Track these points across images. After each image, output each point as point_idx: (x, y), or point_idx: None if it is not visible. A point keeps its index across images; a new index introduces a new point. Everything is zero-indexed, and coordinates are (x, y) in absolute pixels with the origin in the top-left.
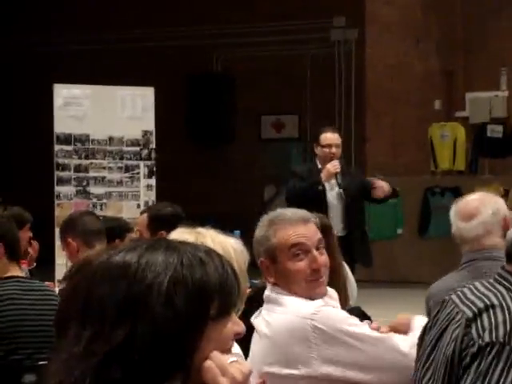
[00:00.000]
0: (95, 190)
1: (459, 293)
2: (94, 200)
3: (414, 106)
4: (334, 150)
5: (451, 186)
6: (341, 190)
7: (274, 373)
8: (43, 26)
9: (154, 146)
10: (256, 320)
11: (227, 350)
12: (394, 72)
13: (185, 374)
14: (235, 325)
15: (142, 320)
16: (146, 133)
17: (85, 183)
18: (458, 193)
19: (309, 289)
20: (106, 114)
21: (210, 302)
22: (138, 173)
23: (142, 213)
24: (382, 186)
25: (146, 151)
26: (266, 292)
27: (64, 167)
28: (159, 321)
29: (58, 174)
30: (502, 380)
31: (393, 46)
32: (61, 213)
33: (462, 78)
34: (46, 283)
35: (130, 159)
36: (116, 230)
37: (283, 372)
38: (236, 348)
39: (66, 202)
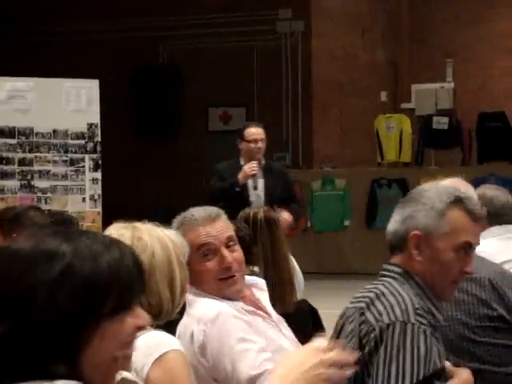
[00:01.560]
0: (40, 183)
1: (352, 298)
2: (39, 194)
3: (361, 98)
4: (259, 144)
5: (397, 178)
6: (260, 192)
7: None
8: None
9: (99, 138)
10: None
11: (126, 345)
12: (340, 63)
13: (69, 369)
14: (138, 318)
15: (25, 313)
16: (91, 126)
17: (29, 177)
18: (404, 184)
19: (220, 288)
20: (51, 107)
21: (103, 299)
22: (83, 166)
23: None
24: (285, 219)
25: (91, 144)
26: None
27: (8, 161)
28: (40, 316)
29: (1, 167)
30: (415, 353)
31: (339, 38)
32: (5, 207)
33: (408, 70)
34: None
35: (75, 152)
36: (58, 224)
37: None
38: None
39: (11, 196)
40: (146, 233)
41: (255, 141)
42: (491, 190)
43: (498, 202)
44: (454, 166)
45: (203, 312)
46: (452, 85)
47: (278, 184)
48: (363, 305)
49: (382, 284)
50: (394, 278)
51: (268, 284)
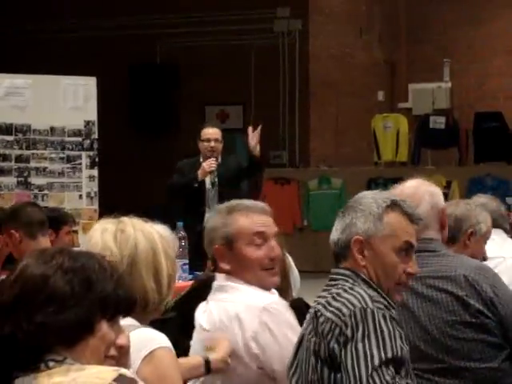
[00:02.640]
0: (36, 180)
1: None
2: (36, 191)
3: (358, 97)
4: (212, 143)
5: (394, 177)
6: (215, 187)
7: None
8: None
9: (96, 136)
10: (201, 314)
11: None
12: (337, 63)
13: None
14: (120, 337)
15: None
16: (88, 123)
17: (26, 174)
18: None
19: (263, 277)
20: (48, 104)
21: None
22: (80, 163)
23: None
24: (254, 134)
25: (88, 141)
26: (217, 282)
27: (5, 157)
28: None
29: None
30: (379, 335)
31: (336, 37)
32: (2, 204)
33: (405, 69)
34: None
35: (72, 150)
36: (52, 221)
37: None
38: None
39: (7, 192)
40: (129, 225)
41: (208, 140)
42: (481, 198)
43: (490, 209)
44: (451, 165)
45: (253, 300)
46: (449, 84)
47: (229, 171)
48: (319, 306)
49: (335, 286)
50: (344, 279)
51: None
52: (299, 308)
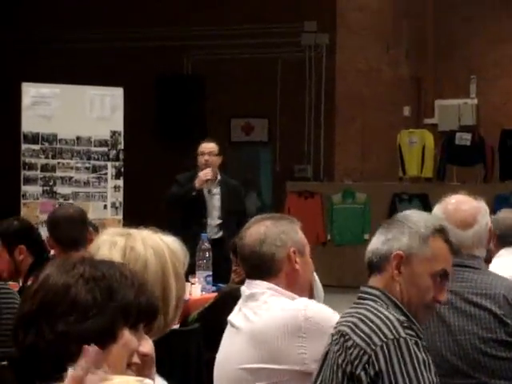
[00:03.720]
0: (62, 189)
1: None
2: (61, 200)
3: (384, 112)
4: (206, 157)
5: (419, 193)
6: (216, 200)
7: (253, 368)
8: (12, 23)
9: (122, 146)
10: (235, 317)
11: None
12: (364, 77)
13: None
14: (142, 344)
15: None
16: (114, 133)
17: (51, 183)
18: (425, 200)
19: (308, 288)
20: (75, 114)
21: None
22: (106, 173)
23: None
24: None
25: (114, 152)
26: (254, 289)
27: (31, 166)
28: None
29: (24, 173)
30: (415, 362)
31: (363, 52)
32: (27, 212)
33: (432, 85)
34: (10, 283)
35: (98, 159)
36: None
37: (266, 367)
38: None
39: (33, 201)
40: (139, 242)
41: (202, 154)
42: (503, 213)
43: (504, 225)
44: (476, 182)
45: (291, 302)
46: (475, 101)
47: (231, 197)
48: (347, 329)
49: (364, 307)
50: (374, 300)
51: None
52: None
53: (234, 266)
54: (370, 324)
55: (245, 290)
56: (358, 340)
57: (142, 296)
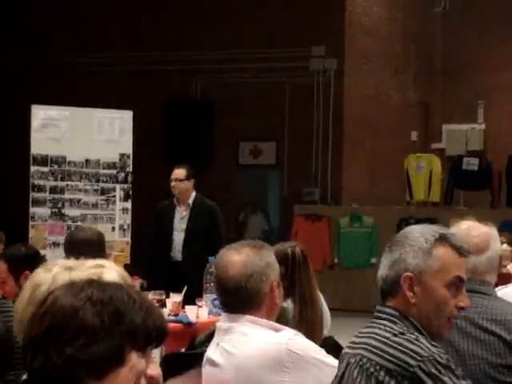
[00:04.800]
0: (70, 212)
1: (349, 343)
2: (69, 222)
3: (391, 137)
4: (173, 183)
5: (426, 217)
6: (186, 219)
7: None
8: (22, 46)
9: (130, 169)
10: (214, 354)
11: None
12: (371, 102)
13: None
14: (150, 367)
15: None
16: (123, 156)
17: (60, 205)
18: (432, 224)
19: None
20: (84, 136)
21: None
22: (114, 196)
23: None
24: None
25: (122, 174)
26: (231, 323)
27: (40, 188)
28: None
29: (33, 195)
30: (453, 378)
31: (371, 77)
32: (35, 234)
33: (439, 110)
34: None
35: (107, 182)
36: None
37: None
38: None
39: (41, 223)
40: (114, 271)
41: (171, 180)
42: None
43: None
44: (483, 207)
45: (273, 334)
46: (483, 126)
47: (200, 217)
48: (364, 353)
49: (383, 328)
50: (392, 321)
51: (301, 321)
52: (330, 346)
53: None
54: (395, 345)
55: (221, 324)
56: (385, 363)
57: (149, 319)
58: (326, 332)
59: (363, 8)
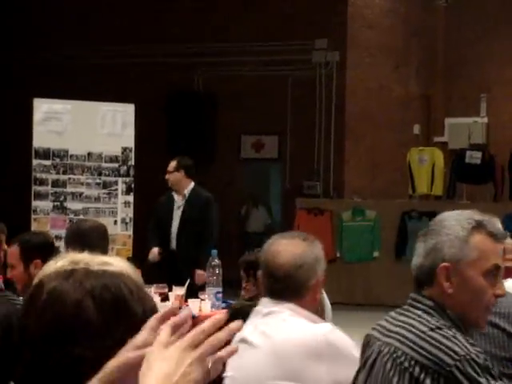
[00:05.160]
0: (72, 205)
1: (378, 328)
2: (71, 215)
3: (393, 130)
4: (166, 175)
5: (428, 211)
6: (181, 209)
7: None
8: (24, 40)
9: (132, 162)
10: (251, 335)
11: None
12: (373, 95)
13: None
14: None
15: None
16: (125, 149)
17: (62, 198)
18: (434, 217)
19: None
20: (86, 130)
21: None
22: (116, 189)
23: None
24: (201, 274)
25: (124, 168)
26: (272, 308)
27: (42, 182)
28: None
29: (35, 188)
30: (489, 379)
31: (373, 70)
32: (37, 227)
33: (442, 103)
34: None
35: (109, 175)
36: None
37: None
38: None
39: (43, 216)
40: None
41: (164, 173)
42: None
43: None
44: (486, 201)
45: (312, 325)
46: (485, 120)
47: (195, 207)
48: (399, 345)
49: (418, 320)
50: (428, 312)
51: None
52: None
53: (244, 283)
54: (432, 341)
55: (261, 309)
56: (421, 359)
57: (147, 308)
58: None
59: (365, 1)
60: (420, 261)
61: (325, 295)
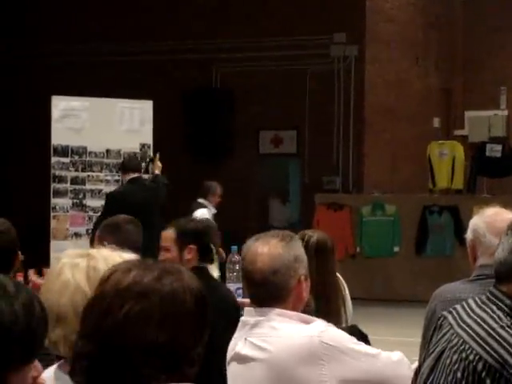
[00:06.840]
0: (91, 202)
1: (454, 314)
2: (90, 213)
3: (413, 124)
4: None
5: (449, 205)
6: None
7: None
8: (42, 38)
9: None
10: (242, 349)
11: None
12: (393, 89)
13: None
14: (34, 369)
15: None
16: (143, 146)
17: (81, 196)
18: (455, 212)
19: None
20: (104, 127)
21: (14, 348)
22: None
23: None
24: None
25: (143, 164)
26: (258, 317)
27: (61, 179)
28: None
29: (54, 186)
30: None
31: (392, 64)
32: (57, 225)
33: (462, 97)
34: None
35: None
36: None
37: None
38: None
39: (62, 214)
40: (101, 261)
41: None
42: None
43: None
44: (507, 194)
45: (303, 327)
46: (506, 112)
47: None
48: (467, 338)
49: (490, 314)
50: (501, 309)
51: (319, 316)
52: (354, 334)
53: None
54: (502, 342)
55: (247, 319)
56: (485, 355)
57: None
58: (349, 321)
59: None
60: (504, 255)
61: (347, 291)
